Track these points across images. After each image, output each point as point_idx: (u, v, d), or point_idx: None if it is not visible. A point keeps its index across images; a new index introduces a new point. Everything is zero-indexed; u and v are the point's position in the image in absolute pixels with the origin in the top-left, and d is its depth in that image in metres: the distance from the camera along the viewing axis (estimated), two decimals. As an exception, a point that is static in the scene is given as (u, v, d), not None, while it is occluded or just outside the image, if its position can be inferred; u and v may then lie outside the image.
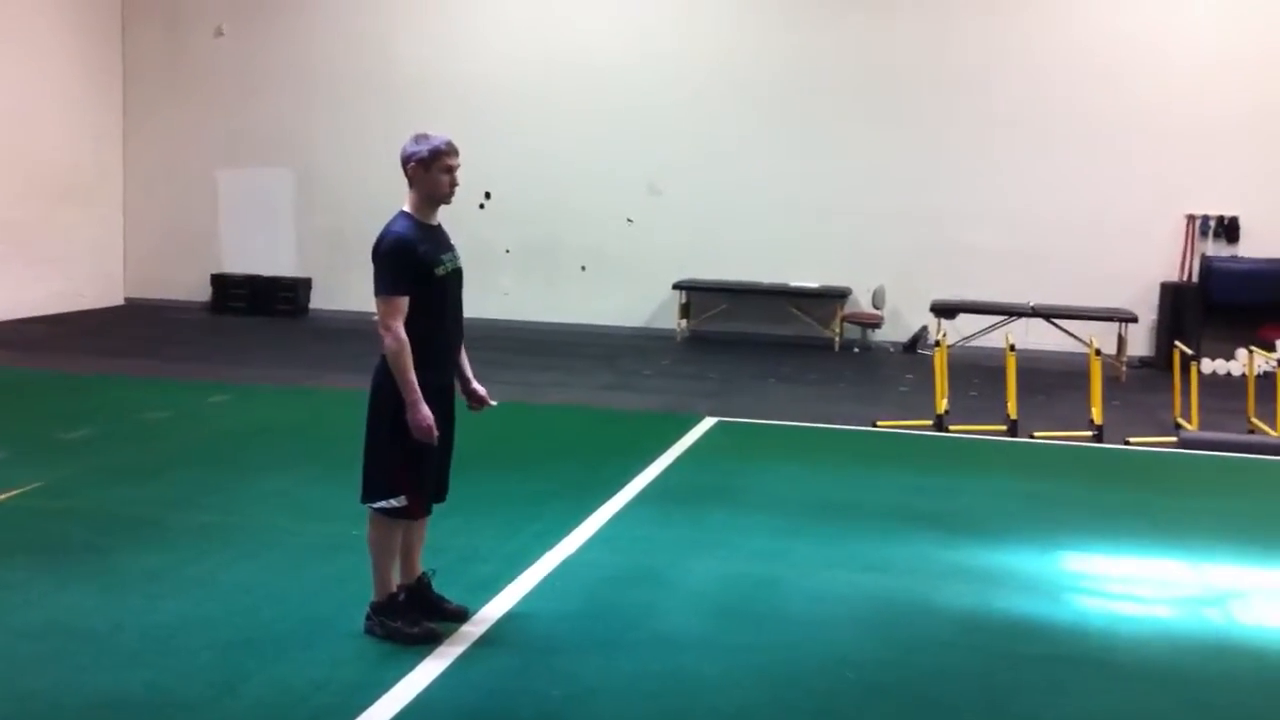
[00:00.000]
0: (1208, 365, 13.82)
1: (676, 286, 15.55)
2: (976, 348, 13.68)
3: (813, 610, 5.59)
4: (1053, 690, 4.79)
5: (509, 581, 5.75)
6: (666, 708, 4.50)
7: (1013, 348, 10.22)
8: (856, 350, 15.12)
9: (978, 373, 12.58)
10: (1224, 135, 14.39)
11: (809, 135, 15.51)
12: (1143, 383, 13.13)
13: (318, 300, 16.82)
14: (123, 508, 6.94)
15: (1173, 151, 14.50)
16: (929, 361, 11.09)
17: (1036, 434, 9.91)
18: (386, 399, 4.92)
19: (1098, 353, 10.22)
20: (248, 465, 8.03)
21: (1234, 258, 14.38)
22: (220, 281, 16.87)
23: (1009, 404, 10.01)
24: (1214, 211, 14.52)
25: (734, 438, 9.59)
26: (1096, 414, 9.91)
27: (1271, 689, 4.95)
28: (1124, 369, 13.54)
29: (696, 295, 15.74)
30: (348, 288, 16.39)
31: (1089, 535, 7.03)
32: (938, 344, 10.60)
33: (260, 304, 16.55)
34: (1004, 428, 9.94)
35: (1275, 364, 10.56)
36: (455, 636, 5.03)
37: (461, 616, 5.19)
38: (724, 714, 4.46)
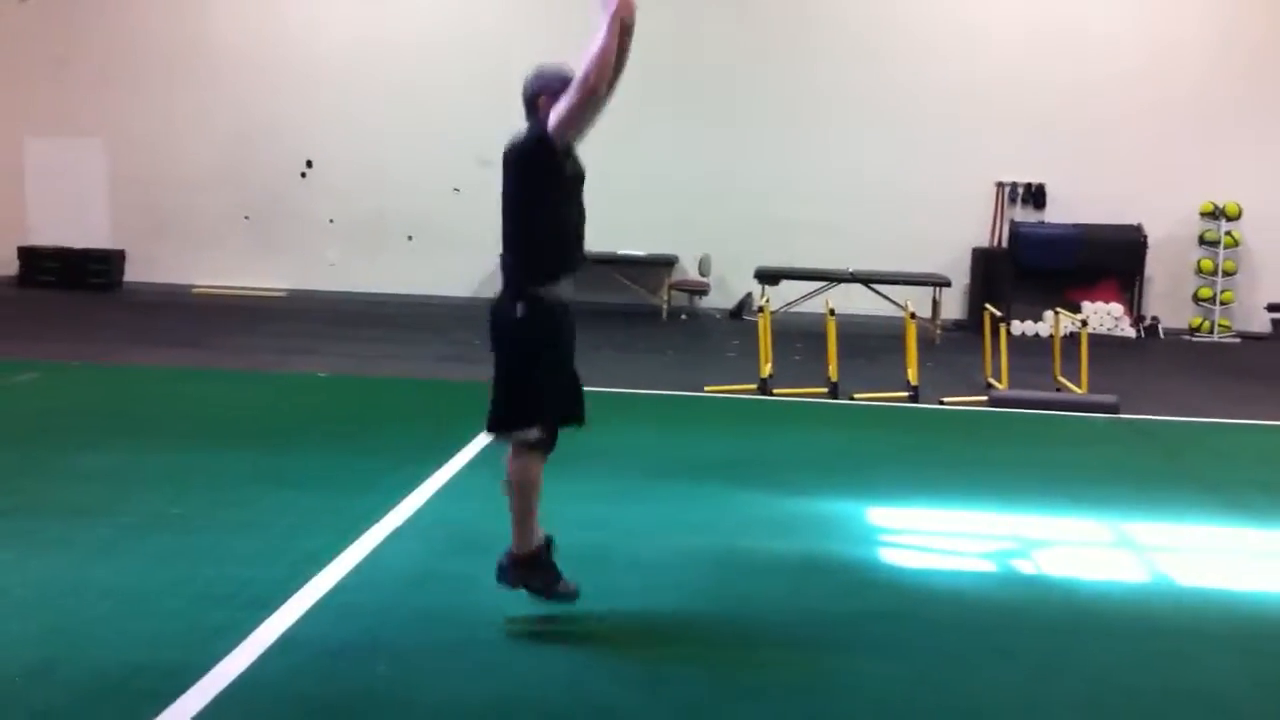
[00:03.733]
0: (1017, 327, 14.41)
1: (505, 256, 15.47)
2: (799, 313, 13.99)
3: (644, 576, 5.67)
4: (875, 647, 4.92)
5: (335, 556, 5.68)
6: (502, 677, 4.50)
7: (832, 312, 10.48)
8: (684, 317, 15.31)
9: (801, 337, 12.86)
10: (1031, 105, 14.98)
11: (635, 108, 15.45)
12: (956, 344, 13.61)
13: (132, 273, 16.25)
14: (-76, 493, 6.64)
15: (983, 121, 15.04)
16: (754, 327, 11.31)
17: (856, 395, 10.21)
18: (527, 333, 4.84)
19: (913, 316, 10.57)
20: (58, 445, 7.73)
21: (1041, 223, 15.00)
22: (28, 254, 16.16)
23: (830, 367, 10.28)
24: (1022, 179, 15.12)
25: (563, 406, 9.62)
26: (912, 375, 10.25)
27: (1078, 632, 5.20)
28: (939, 332, 14.02)
29: (525, 264, 15.69)
30: (163, 260, 15.93)
31: (907, 491, 7.28)
32: (761, 310, 10.81)
33: (71, 277, 15.92)
34: (825, 390, 10.21)
35: (1079, 325, 11.06)
36: (280, 613, 4.97)
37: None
38: (564, 681, 4.49)
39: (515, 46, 15.66)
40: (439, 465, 7.38)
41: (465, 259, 15.86)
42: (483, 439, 8.16)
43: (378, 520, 6.26)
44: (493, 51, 15.70)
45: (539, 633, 4.94)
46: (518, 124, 16.84)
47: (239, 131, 16.12)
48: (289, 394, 9.88)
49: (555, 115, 4.68)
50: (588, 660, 4.69)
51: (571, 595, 4.99)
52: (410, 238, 16.05)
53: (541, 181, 4.84)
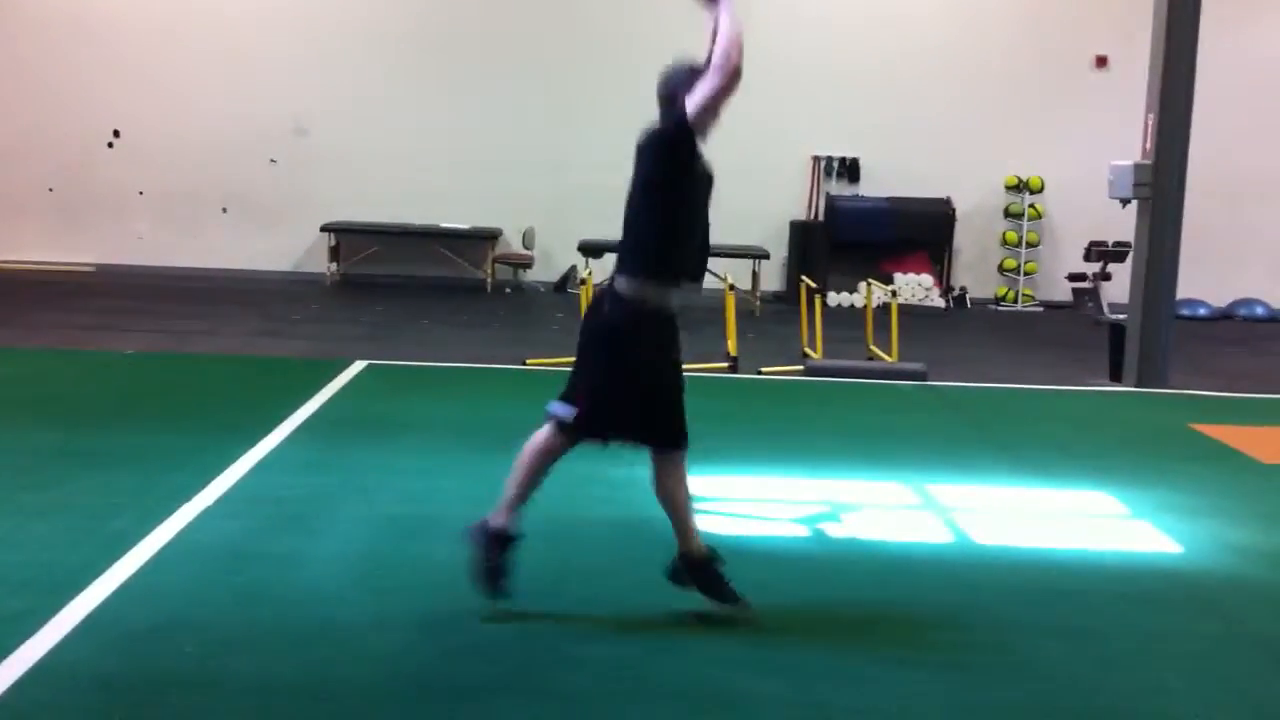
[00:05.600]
0: (833, 298, 14.79)
1: (325, 229, 15.22)
2: (623, 286, 14.07)
3: (464, 550, 5.64)
4: (697, 613, 5.01)
5: (144, 535, 5.53)
6: (315, 656, 4.44)
7: (654, 285, 10.58)
8: (509, 291, 15.29)
9: (624, 310, 12.96)
10: (845, 81, 15.34)
11: (457, 79, 15.46)
12: (775, 316, 13.90)
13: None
14: None
15: (799, 98, 15.32)
16: (579, 300, 11.36)
17: (677, 367, 10.33)
18: (616, 334, 4.70)
19: (732, 288, 10.76)
20: None
21: (855, 197, 15.39)
22: None
23: (651, 339, 10.37)
24: (837, 153, 15.49)
25: (384, 381, 9.55)
26: (732, 346, 10.45)
27: (887, 589, 5.40)
28: (758, 303, 14.29)
29: (346, 238, 15.46)
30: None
31: (727, 458, 7.40)
32: (584, 283, 10.86)
33: None
34: (647, 362, 10.31)
35: (890, 295, 11.41)
36: (84, 595, 4.82)
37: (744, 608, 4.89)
38: (377, 657, 4.45)
39: (333, 11, 15.39)
40: (253, 442, 7.24)
41: (283, 232, 15.54)
42: (300, 415, 8.06)
43: (189, 498, 6.11)
44: (311, 22, 15.38)
45: (354, 610, 4.89)
46: (333, 90, 16.47)
47: (40, 99, 15.45)
48: (97, 372, 9.56)
49: (696, 101, 4.54)
50: (405, 637, 4.66)
51: (497, 595, 4.81)
52: (225, 210, 15.63)
53: (675, 171, 4.67)
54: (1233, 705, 4.41)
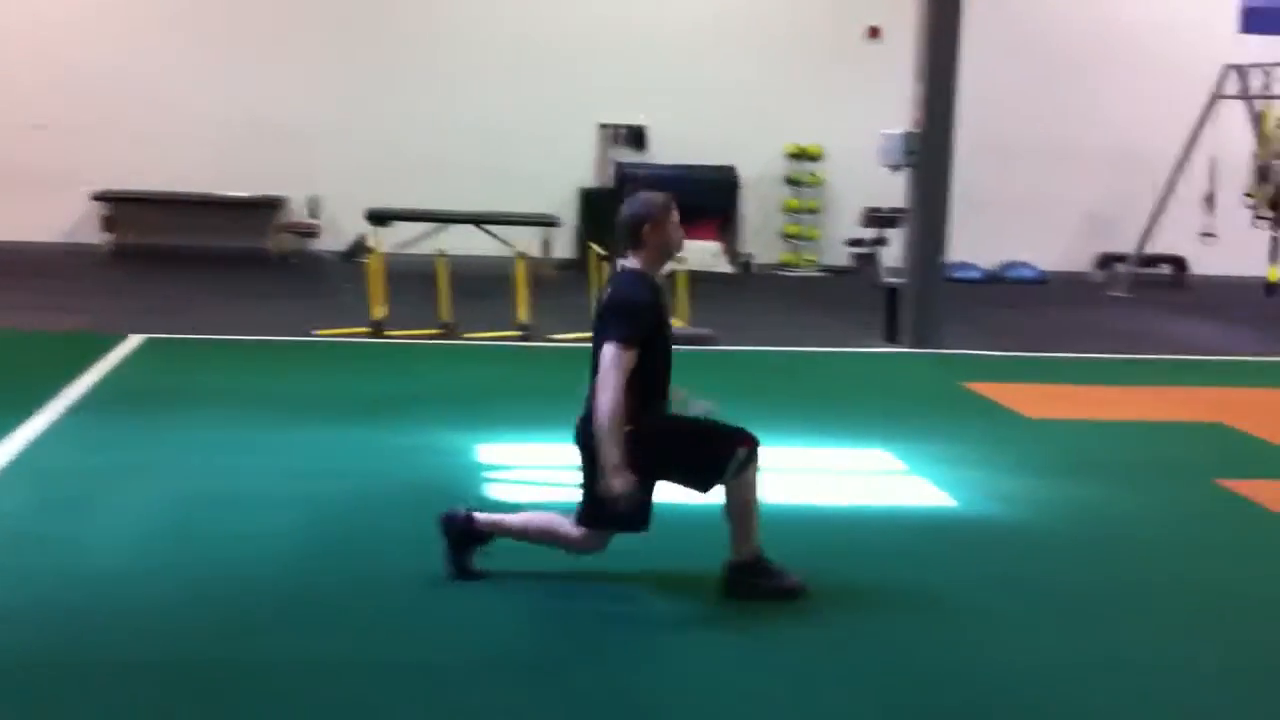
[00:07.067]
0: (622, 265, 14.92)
1: (97, 197, 14.58)
2: (415, 255, 13.88)
3: (251, 523, 5.54)
4: (492, 581, 4.98)
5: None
6: (89, 641, 4.31)
7: (443, 254, 10.54)
8: (294, 261, 14.95)
9: (416, 279, 12.80)
10: (631, 49, 15.46)
11: (240, 44, 15.00)
12: (567, 283, 13.95)
13: None
14: None
15: (585, 65, 15.38)
16: (366, 269, 11.20)
17: (468, 335, 10.33)
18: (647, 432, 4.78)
19: (522, 256, 10.78)
20: None
21: (645, 164, 15.56)
22: None
23: (442, 308, 10.34)
24: (624, 121, 15.62)
25: (166, 355, 9.26)
26: (523, 314, 10.48)
27: (691, 543, 5.52)
28: (549, 271, 14.33)
29: (122, 207, 14.85)
30: None
31: (519, 424, 7.44)
32: (371, 251, 10.73)
33: None
34: (439, 331, 10.28)
35: (679, 262, 11.57)
36: None
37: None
38: (157, 635, 4.36)
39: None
40: (23, 419, 6.93)
41: (52, 201, 14.81)
42: (73, 391, 7.76)
43: (-45, 483, 5.84)
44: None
45: (132, 582, 4.77)
46: (106, 52, 15.78)
47: None
48: None
49: (599, 392, 4.68)
50: (196, 614, 4.57)
51: (799, 588, 4.98)
52: (-15, 179, 14.83)
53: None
54: (1023, 656, 4.59)
